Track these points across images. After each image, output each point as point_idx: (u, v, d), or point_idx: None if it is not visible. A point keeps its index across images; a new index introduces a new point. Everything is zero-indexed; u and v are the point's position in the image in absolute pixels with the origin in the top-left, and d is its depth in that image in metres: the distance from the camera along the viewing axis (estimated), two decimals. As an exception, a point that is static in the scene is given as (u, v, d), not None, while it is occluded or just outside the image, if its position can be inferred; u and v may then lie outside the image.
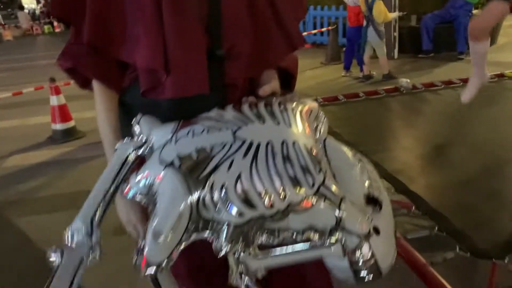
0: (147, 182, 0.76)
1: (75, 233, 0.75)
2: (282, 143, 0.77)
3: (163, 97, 0.93)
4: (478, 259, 1.27)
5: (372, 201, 0.82)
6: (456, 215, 1.44)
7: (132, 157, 0.83)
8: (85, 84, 1.06)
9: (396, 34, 7.54)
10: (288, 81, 1.10)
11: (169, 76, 0.91)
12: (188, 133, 0.81)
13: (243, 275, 0.74)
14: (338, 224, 0.73)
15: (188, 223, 0.71)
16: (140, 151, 0.84)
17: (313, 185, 0.74)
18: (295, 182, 0.73)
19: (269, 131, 0.80)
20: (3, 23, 19.00)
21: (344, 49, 6.98)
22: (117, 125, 1.02)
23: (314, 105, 0.94)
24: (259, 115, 0.84)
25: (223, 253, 0.73)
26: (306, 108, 0.90)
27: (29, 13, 20.57)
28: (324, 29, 9.08)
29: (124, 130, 1.02)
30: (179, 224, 0.71)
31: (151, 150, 0.83)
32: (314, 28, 9.57)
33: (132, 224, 1.05)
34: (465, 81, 2.81)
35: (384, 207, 0.84)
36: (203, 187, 0.72)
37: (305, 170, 0.74)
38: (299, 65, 1.14)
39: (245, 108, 0.86)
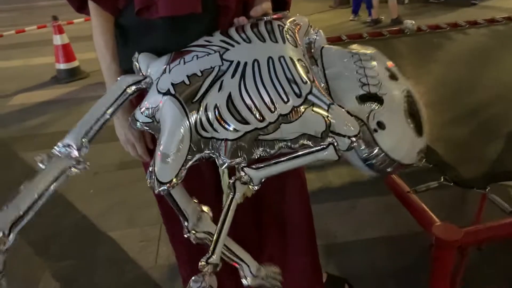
0: (149, 112, 0.83)
1: (65, 146, 0.79)
2: (268, 59, 0.81)
3: (157, 15, 0.94)
4: (462, 188, 1.31)
5: (371, 98, 0.85)
6: (444, 149, 1.46)
7: (131, 89, 0.87)
8: (80, 7, 1.07)
9: (408, -23, 7.27)
10: (283, 6, 1.10)
11: None
12: (179, 62, 0.85)
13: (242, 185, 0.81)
14: (328, 129, 0.78)
15: (190, 143, 0.78)
16: (140, 85, 0.88)
17: (300, 95, 0.78)
18: (283, 94, 0.77)
19: (255, 50, 0.83)
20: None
21: (353, -8, 6.76)
22: (113, 46, 1.04)
23: (304, 20, 0.96)
24: (246, 36, 0.86)
25: (225, 166, 0.79)
26: (294, 23, 0.92)
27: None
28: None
29: (121, 52, 1.04)
30: (182, 145, 0.77)
31: (151, 83, 0.87)
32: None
33: (131, 143, 1.10)
34: (472, 23, 2.75)
35: (387, 101, 0.86)
36: (198, 110, 0.78)
37: (291, 81, 0.78)
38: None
39: (232, 31, 0.89)
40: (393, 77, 0.91)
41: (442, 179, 1.27)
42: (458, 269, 1.24)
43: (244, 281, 0.94)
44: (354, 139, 0.78)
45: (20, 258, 1.97)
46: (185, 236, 0.92)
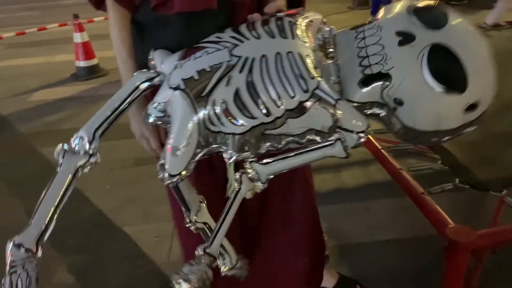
0: (161, 107, 0.85)
1: (78, 139, 0.83)
2: (276, 55, 0.81)
3: (173, 11, 0.96)
4: (477, 191, 1.29)
5: (376, 78, 0.81)
6: (460, 151, 1.45)
7: (144, 85, 0.90)
8: (99, 4, 1.09)
9: (429, -22, 7.17)
10: (298, 3, 1.11)
11: None
12: (190, 58, 0.87)
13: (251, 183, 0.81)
14: (335, 124, 0.78)
15: (199, 137, 0.80)
16: (154, 81, 0.91)
17: (307, 90, 0.78)
18: (289, 89, 0.78)
19: (264, 45, 0.84)
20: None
21: (372, -7, 6.71)
22: (130, 42, 1.06)
23: (317, 17, 0.96)
24: (256, 32, 0.87)
25: (232, 160, 0.81)
26: (307, 20, 0.93)
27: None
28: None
29: (137, 47, 1.06)
30: (191, 139, 0.80)
31: (164, 79, 0.89)
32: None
33: (145, 138, 1.11)
34: (494, 25, 2.70)
35: (397, 73, 0.79)
36: (207, 104, 0.80)
37: (298, 76, 0.79)
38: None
39: (243, 28, 0.90)
40: (405, 40, 0.79)
41: (457, 181, 1.25)
42: (473, 273, 1.22)
43: (222, 269, 0.99)
44: (362, 134, 0.78)
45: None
46: (186, 226, 0.96)
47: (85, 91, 4.21)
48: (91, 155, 0.82)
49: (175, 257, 1.92)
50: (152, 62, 0.95)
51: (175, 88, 0.83)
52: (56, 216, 0.78)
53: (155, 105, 0.86)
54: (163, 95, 0.85)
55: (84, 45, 4.49)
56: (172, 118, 0.83)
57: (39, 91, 4.27)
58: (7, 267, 0.74)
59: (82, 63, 4.52)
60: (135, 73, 0.93)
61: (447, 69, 0.78)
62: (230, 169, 1.00)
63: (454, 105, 0.79)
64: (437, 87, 0.77)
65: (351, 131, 0.78)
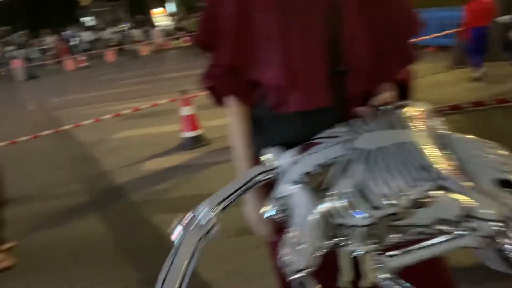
0: (282, 202, 0.90)
1: (201, 212, 0.85)
2: (393, 146, 0.84)
3: (288, 110, 1.04)
4: None
5: (506, 183, 0.80)
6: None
7: (262, 176, 0.96)
8: (220, 100, 1.22)
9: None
10: (404, 93, 1.14)
11: (294, 92, 1.02)
12: (307, 154, 0.92)
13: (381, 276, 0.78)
14: (466, 214, 0.75)
15: (322, 230, 0.81)
16: (270, 175, 0.96)
17: (430, 179, 0.77)
18: (411, 180, 0.78)
19: (378, 138, 0.87)
20: (140, 40, 21.10)
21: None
22: (247, 135, 1.15)
23: (425, 107, 0.98)
24: (367, 126, 0.91)
25: (356, 253, 0.80)
26: (416, 110, 0.95)
27: (163, 30, 22.50)
28: (449, 31, 8.50)
29: (253, 139, 1.15)
30: (314, 232, 0.81)
31: (281, 173, 0.95)
32: (439, 31, 9.03)
33: (262, 222, 1.16)
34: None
35: None
36: (328, 197, 0.82)
37: (420, 166, 0.79)
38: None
39: (354, 122, 0.95)
40: None
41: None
42: None
43: None
44: (494, 223, 0.73)
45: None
46: None
47: (191, 159, 4.52)
48: (212, 226, 0.84)
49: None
50: (267, 157, 1.01)
51: (295, 183, 0.87)
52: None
53: (275, 199, 0.91)
54: (283, 189, 0.90)
55: (190, 118, 4.88)
56: (294, 213, 0.86)
57: (149, 161, 4.67)
58: None
59: (188, 134, 4.90)
60: (254, 166, 1.00)
61: None
62: (345, 259, 0.99)
63: None
64: None
65: (484, 220, 0.74)
